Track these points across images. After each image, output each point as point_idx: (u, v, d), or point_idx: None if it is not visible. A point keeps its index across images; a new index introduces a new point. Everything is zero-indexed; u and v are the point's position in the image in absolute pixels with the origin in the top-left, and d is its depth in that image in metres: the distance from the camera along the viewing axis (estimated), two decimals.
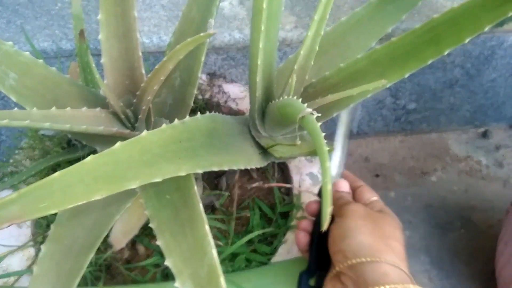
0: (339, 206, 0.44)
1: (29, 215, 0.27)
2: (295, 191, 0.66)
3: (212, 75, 0.78)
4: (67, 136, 0.63)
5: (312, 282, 0.46)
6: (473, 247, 1.05)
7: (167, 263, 0.35)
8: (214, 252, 0.34)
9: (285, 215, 0.65)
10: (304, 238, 0.46)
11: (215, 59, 0.89)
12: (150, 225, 0.38)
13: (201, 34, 0.36)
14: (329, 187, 0.27)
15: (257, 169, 0.71)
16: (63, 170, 0.28)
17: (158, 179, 0.33)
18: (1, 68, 0.43)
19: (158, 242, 0.37)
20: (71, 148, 0.63)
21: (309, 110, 0.36)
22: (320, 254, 0.45)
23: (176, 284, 0.34)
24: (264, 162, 0.55)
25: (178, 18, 0.86)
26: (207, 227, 0.36)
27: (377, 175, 1.16)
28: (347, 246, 0.38)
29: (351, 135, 1.20)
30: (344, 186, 0.49)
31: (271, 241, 0.63)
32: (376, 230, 0.39)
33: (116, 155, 0.32)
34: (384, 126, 1.19)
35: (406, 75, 0.44)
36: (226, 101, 0.74)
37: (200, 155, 0.40)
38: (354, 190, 0.50)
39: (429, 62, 0.42)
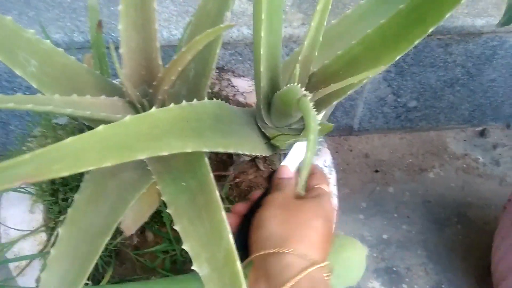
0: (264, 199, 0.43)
1: (41, 176, 0.27)
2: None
3: (221, 69, 0.79)
4: (80, 125, 0.65)
5: None
6: (469, 243, 1.08)
7: (184, 247, 0.37)
8: (231, 237, 0.35)
9: None
10: (234, 220, 0.44)
11: (222, 54, 0.91)
12: (168, 210, 0.40)
13: (222, 25, 0.37)
14: (309, 156, 0.29)
15: (264, 161, 0.72)
16: (75, 136, 0.29)
17: (165, 153, 0.34)
18: (23, 54, 0.44)
19: (176, 227, 0.38)
20: None
21: (303, 92, 0.38)
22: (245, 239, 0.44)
23: (193, 267, 0.35)
24: (269, 152, 0.56)
25: (188, 13, 0.88)
26: (223, 213, 0.37)
27: (376, 171, 1.18)
28: (258, 236, 0.38)
29: (352, 132, 1.22)
30: (286, 172, 0.49)
31: None
32: (290, 219, 0.38)
33: (126, 127, 0.33)
34: (384, 123, 1.21)
35: (397, 58, 0.45)
36: (234, 95, 0.76)
37: (207, 136, 0.41)
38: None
39: (416, 42, 0.42)
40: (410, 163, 1.20)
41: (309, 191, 0.45)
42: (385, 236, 1.08)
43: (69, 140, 0.29)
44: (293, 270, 0.34)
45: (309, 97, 0.37)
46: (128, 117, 0.33)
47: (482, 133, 1.27)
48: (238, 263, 0.33)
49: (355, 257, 0.46)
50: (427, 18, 0.40)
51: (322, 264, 0.35)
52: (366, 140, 1.24)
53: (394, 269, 1.03)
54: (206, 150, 0.39)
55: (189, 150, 0.36)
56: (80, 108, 0.41)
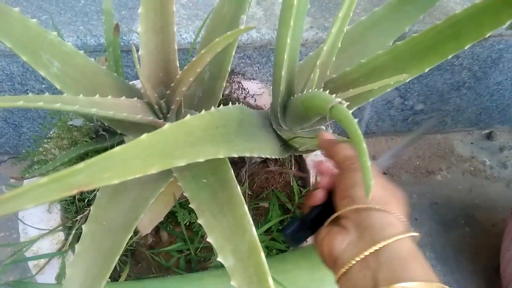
0: (352, 162, 0.42)
1: (94, 184, 0.29)
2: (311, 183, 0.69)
3: (231, 72, 0.80)
4: (95, 126, 0.66)
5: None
6: (477, 244, 1.08)
7: (209, 239, 0.38)
8: (254, 230, 0.36)
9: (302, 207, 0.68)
10: (321, 195, 0.43)
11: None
12: (191, 205, 0.41)
13: (242, 28, 0.38)
14: (368, 165, 0.29)
15: (275, 162, 0.73)
16: (122, 146, 0.30)
17: (201, 159, 0.36)
18: (46, 56, 0.45)
19: (199, 221, 0.39)
20: (99, 139, 0.65)
21: (338, 99, 0.39)
22: (318, 217, 0.43)
23: (218, 258, 0.36)
24: (285, 154, 0.57)
25: (198, 17, 0.89)
26: (245, 207, 0.38)
27: (384, 173, 1.19)
28: (356, 192, 0.37)
29: None
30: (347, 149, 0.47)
31: None
32: (387, 187, 0.39)
33: (165, 135, 0.34)
34: (391, 126, 1.22)
35: (426, 70, 0.47)
36: (245, 97, 0.77)
37: (234, 141, 0.42)
38: None
39: (450, 56, 0.44)
40: (417, 166, 1.21)
41: None
42: None
43: (117, 149, 0.30)
44: (396, 229, 0.34)
45: (345, 105, 0.37)
46: (166, 126, 0.35)
47: (488, 136, 1.28)
48: (262, 254, 0.34)
49: None
50: (464, 35, 0.42)
51: (417, 234, 0.36)
52: (373, 143, 1.24)
53: None
54: (235, 155, 0.40)
55: (221, 156, 0.38)
56: (103, 108, 0.43)
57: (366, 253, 0.34)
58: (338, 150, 0.44)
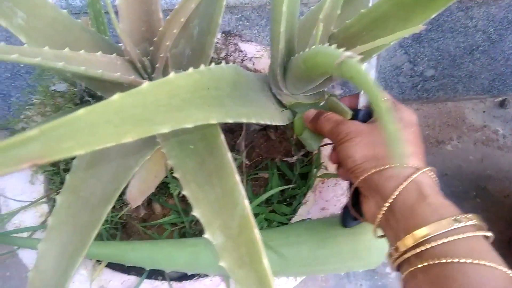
0: (335, 136, 0.43)
1: (51, 156, 0.23)
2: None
3: (227, 34, 0.74)
4: (80, 92, 0.61)
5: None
6: (489, 217, 1.03)
7: (194, 213, 0.33)
8: (246, 202, 0.32)
9: (305, 176, 0.63)
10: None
11: (229, 19, 0.85)
12: (175, 174, 0.36)
13: None
14: (391, 126, 0.24)
15: (276, 130, 0.68)
16: (88, 108, 0.25)
17: (189, 125, 0.31)
18: (9, 4, 0.40)
19: (184, 192, 0.34)
20: (84, 105, 0.60)
21: (348, 53, 0.33)
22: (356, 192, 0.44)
23: (205, 235, 0.32)
24: (286, 121, 0.52)
25: None
26: (237, 177, 0.33)
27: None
28: (352, 163, 0.39)
29: None
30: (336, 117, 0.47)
31: (291, 202, 0.61)
32: (375, 140, 0.38)
33: (144, 96, 0.29)
34: (400, 93, 1.15)
35: (433, 16, 0.41)
36: (242, 60, 0.71)
37: (228, 105, 0.37)
38: None
39: None
40: (427, 135, 1.15)
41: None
42: None
43: (82, 112, 0.24)
44: (397, 180, 0.35)
45: (356, 59, 0.32)
46: (145, 84, 0.29)
47: (502, 104, 1.21)
48: (256, 231, 0.30)
49: (378, 240, 0.43)
50: None
51: (424, 169, 0.36)
52: None
53: None
54: (230, 121, 0.35)
55: (214, 122, 0.33)
56: (73, 63, 0.37)
57: (380, 216, 0.36)
58: (321, 127, 0.45)
